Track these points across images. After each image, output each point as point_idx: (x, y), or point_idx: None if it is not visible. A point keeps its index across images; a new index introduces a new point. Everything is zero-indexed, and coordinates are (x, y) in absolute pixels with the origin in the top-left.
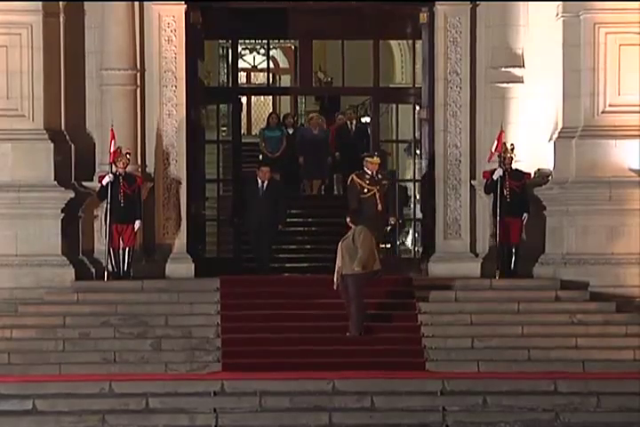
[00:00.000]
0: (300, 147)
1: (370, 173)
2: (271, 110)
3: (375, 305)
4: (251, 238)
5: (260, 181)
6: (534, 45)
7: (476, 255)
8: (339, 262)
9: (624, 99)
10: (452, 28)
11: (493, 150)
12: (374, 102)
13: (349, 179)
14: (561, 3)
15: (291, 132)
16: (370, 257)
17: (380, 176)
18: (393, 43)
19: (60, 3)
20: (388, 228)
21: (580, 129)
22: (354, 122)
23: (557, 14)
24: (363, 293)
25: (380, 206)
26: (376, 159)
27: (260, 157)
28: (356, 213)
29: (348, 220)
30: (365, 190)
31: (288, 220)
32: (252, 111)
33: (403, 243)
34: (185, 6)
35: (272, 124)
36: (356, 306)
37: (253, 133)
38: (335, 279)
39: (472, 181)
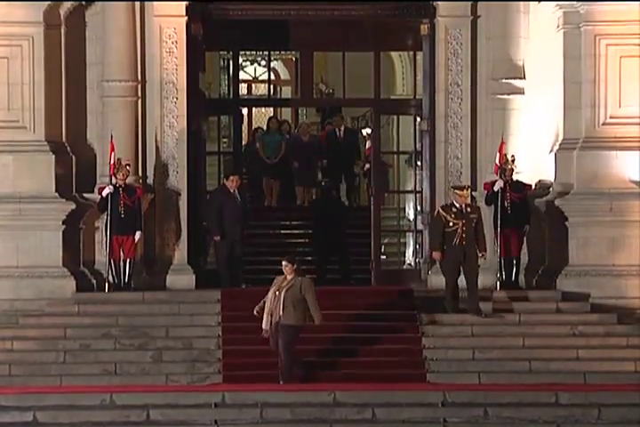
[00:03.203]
0: (291, 154)
1: (458, 205)
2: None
3: (376, 316)
4: (225, 249)
5: (230, 191)
6: (535, 57)
7: (478, 267)
8: (279, 312)
9: (625, 110)
10: (452, 39)
11: (497, 162)
12: (375, 114)
13: (435, 211)
14: (562, 15)
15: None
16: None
17: (468, 209)
18: (394, 54)
19: (62, 14)
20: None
21: (581, 140)
22: (342, 129)
23: (558, 26)
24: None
25: (464, 241)
26: (466, 192)
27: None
28: (297, 259)
29: (293, 267)
30: (450, 224)
31: (287, 231)
32: (253, 122)
33: (403, 254)
34: (186, 18)
35: (272, 129)
36: (290, 356)
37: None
38: (264, 326)
39: (473, 193)
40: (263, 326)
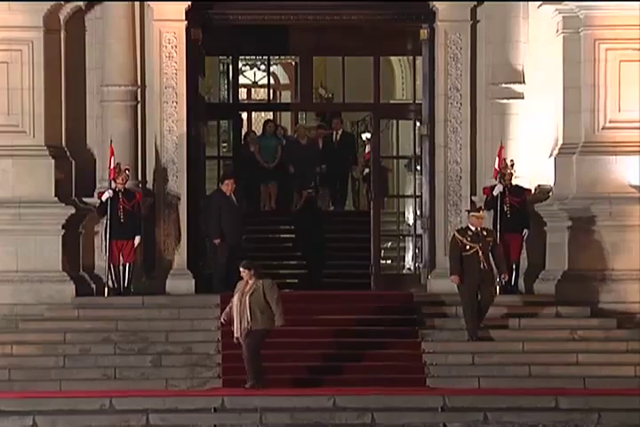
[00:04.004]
0: (288, 158)
1: (473, 228)
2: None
3: (376, 321)
4: (224, 253)
5: (227, 194)
6: (534, 62)
7: None
8: (247, 317)
9: (624, 115)
10: (452, 44)
11: (497, 167)
12: (375, 118)
13: (451, 235)
14: (561, 20)
15: (284, 142)
16: (273, 313)
17: (484, 233)
18: (393, 59)
19: (62, 19)
20: (497, 286)
21: (581, 145)
22: (339, 132)
23: (558, 31)
24: (262, 348)
25: (484, 265)
26: (481, 214)
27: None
28: (257, 265)
29: (251, 272)
30: (467, 247)
31: (286, 235)
32: (253, 127)
33: (403, 259)
34: (186, 23)
35: (268, 132)
36: (254, 359)
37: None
38: (236, 333)
39: (472, 197)
40: (234, 333)
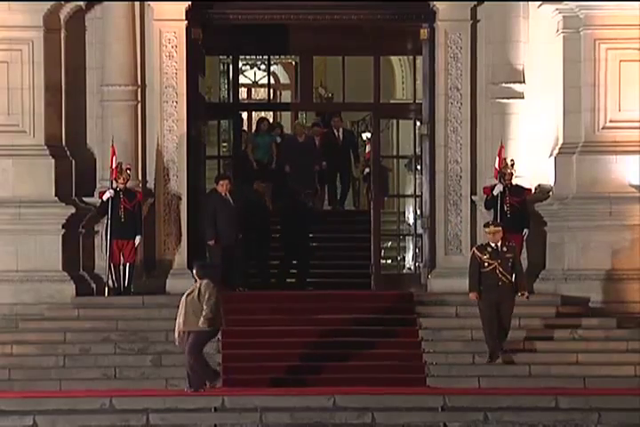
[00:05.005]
0: (286, 156)
1: (493, 245)
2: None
3: (376, 321)
4: (218, 253)
5: (222, 195)
6: (535, 61)
7: None
8: (180, 318)
9: (624, 114)
10: (452, 43)
11: (497, 166)
12: (375, 118)
13: (471, 251)
14: (561, 19)
15: (279, 140)
16: (217, 314)
17: (504, 249)
18: (393, 59)
19: (62, 19)
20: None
21: (581, 145)
22: (340, 130)
23: (558, 30)
24: (202, 349)
25: (503, 282)
26: (492, 228)
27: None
28: (203, 265)
29: (194, 272)
30: (486, 264)
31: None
32: (253, 127)
33: (403, 258)
34: (186, 22)
35: (262, 130)
36: (196, 363)
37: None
38: (176, 335)
39: (473, 197)
40: (175, 334)
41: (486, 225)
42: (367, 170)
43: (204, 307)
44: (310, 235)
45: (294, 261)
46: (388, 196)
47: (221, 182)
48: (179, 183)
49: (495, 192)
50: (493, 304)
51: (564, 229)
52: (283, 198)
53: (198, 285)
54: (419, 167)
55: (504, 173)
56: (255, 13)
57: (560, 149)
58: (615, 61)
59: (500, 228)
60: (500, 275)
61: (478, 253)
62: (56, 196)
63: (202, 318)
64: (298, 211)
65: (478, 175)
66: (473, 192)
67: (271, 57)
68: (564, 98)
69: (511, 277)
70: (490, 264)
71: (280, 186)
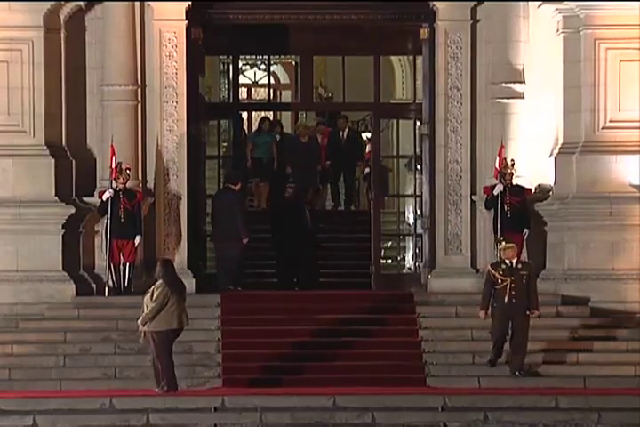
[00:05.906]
0: (288, 156)
1: (507, 262)
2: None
3: (376, 320)
4: (240, 252)
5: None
6: (535, 61)
7: (477, 271)
8: (140, 318)
9: (624, 114)
10: (452, 43)
11: (497, 166)
12: (375, 118)
13: (487, 269)
14: (561, 19)
15: (278, 138)
16: (165, 315)
17: (519, 266)
18: (393, 58)
19: (62, 19)
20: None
21: (581, 145)
22: (345, 130)
23: (558, 30)
24: (165, 349)
25: (513, 299)
26: (505, 245)
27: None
28: (166, 263)
29: (157, 269)
30: (499, 281)
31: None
32: (253, 127)
33: (403, 258)
34: (186, 22)
35: (264, 130)
36: (161, 363)
37: None
38: (140, 332)
39: (473, 197)
40: (140, 332)
41: (497, 241)
42: (367, 170)
43: (150, 306)
44: (305, 235)
45: (291, 262)
46: (388, 196)
47: (239, 183)
48: (179, 183)
49: (495, 192)
50: (505, 319)
51: (564, 228)
52: (280, 197)
53: (154, 285)
54: (419, 167)
55: (504, 172)
56: (255, 13)
57: (560, 148)
58: (615, 61)
59: (513, 244)
60: (512, 292)
61: (492, 271)
62: (56, 196)
63: (141, 320)
64: (295, 211)
65: (478, 175)
66: (473, 192)
67: (271, 57)
68: (564, 98)
69: (526, 294)
70: (503, 281)
71: (280, 186)
